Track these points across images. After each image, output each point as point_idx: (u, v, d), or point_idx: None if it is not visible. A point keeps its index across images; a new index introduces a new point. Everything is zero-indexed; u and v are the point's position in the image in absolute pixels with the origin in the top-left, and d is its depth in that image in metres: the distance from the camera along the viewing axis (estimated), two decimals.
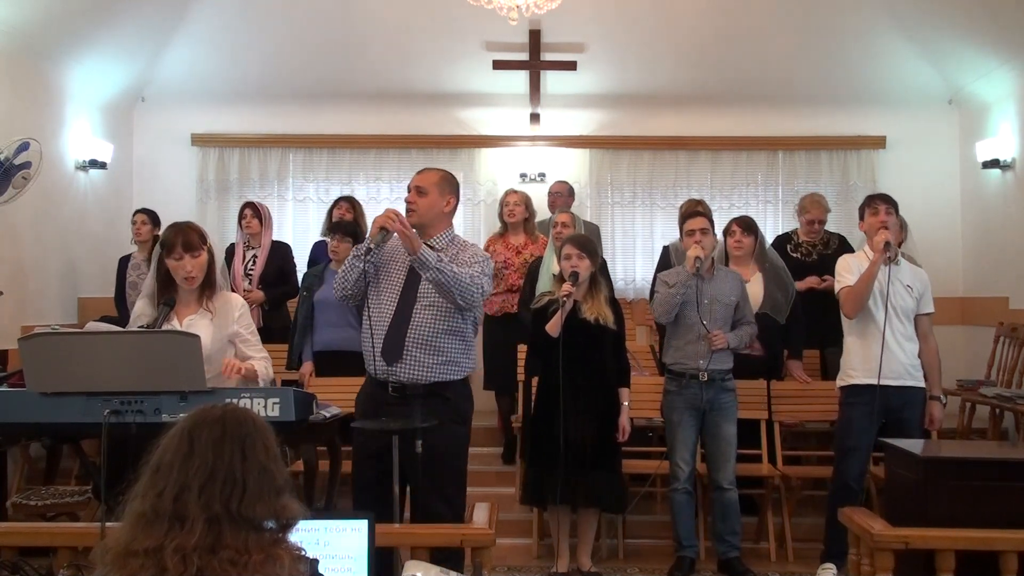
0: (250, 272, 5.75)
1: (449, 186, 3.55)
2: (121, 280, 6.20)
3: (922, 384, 4.27)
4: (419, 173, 3.57)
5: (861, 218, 4.38)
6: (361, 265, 3.39)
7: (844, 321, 4.35)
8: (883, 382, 4.13)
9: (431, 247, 3.44)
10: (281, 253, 5.94)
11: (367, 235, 3.49)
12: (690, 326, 4.41)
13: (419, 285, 3.43)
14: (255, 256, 5.80)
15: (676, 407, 4.45)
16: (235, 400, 2.82)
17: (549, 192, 6.76)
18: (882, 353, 4.09)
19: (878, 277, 4.15)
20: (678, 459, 4.45)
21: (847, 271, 4.28)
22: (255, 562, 1.58)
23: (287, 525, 1.66)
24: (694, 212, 4.71)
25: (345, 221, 5.66)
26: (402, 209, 3.47)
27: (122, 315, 5.97)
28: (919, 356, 4.27)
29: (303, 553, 1.68)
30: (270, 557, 1.60)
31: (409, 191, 3.53)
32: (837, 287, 4.34)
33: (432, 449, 3.27)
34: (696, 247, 4.40)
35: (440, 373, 3.43)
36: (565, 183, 6.87)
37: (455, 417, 3.49)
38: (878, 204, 4.27)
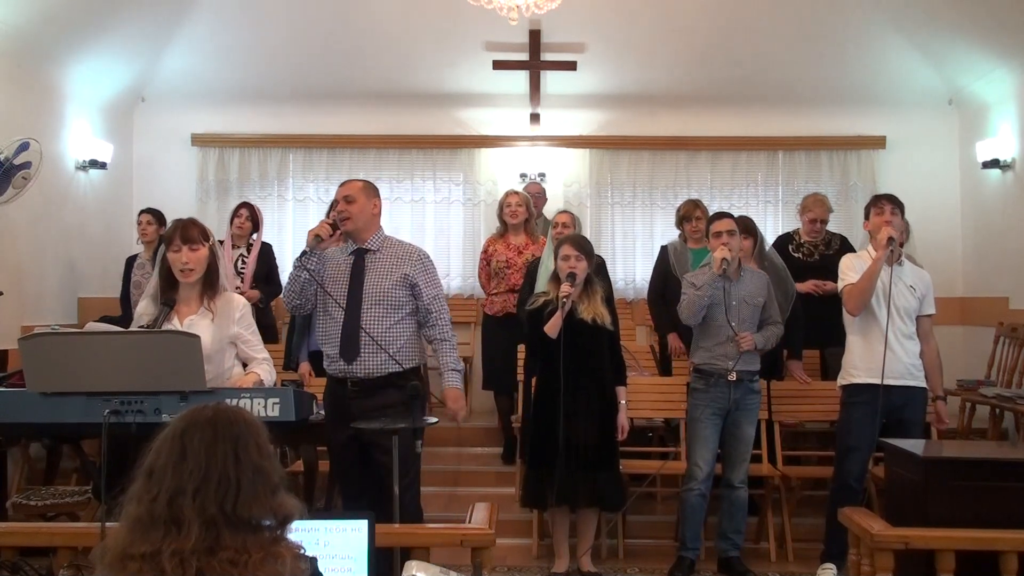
0: (241, 271, 5.76)
1: (372, 191, 3.82)
2: (127, 280, 6.23)
3: (923, 384, 4.27)
4: (342, 185, 3.83)
5: (867, 218, 4.38)
6: (303, 275, 3.61)
7: (846, 320, 4.35)
8: (885, 382, 4.12)
9: (368, 249, 3.71)
10: (268, 253, 6.00)
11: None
12: (719, 327, 4.41)
13: (364, 286, 3.65)
14: (243, 256, 5.82)
15: (701, 406, 4.43)
16: (235, 400, 2.82)
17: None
18: (885, 353, 4.09)
19: (880, 277, 4.15)
20: (697, 459, 4.41)
21: (850, 269, 4.28)
22: (255, 561, 1.58)
23: (285, 522, 1.66)
24: (721, 214, 4.66)
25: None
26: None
27: (126, 314, 5.99)
28: (920, 357, 4.28)
29: (303, 552, 1.68)
30: (270, 555, 1.60)
31: (337, 203, 3.80)
32: (840, 285, 4.34)
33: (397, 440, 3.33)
34: (723, 248, 4.38)
35: (394, 365, 3.60)
36: (538, 184, 6.91)
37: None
38: (884, 204, 4.29)
